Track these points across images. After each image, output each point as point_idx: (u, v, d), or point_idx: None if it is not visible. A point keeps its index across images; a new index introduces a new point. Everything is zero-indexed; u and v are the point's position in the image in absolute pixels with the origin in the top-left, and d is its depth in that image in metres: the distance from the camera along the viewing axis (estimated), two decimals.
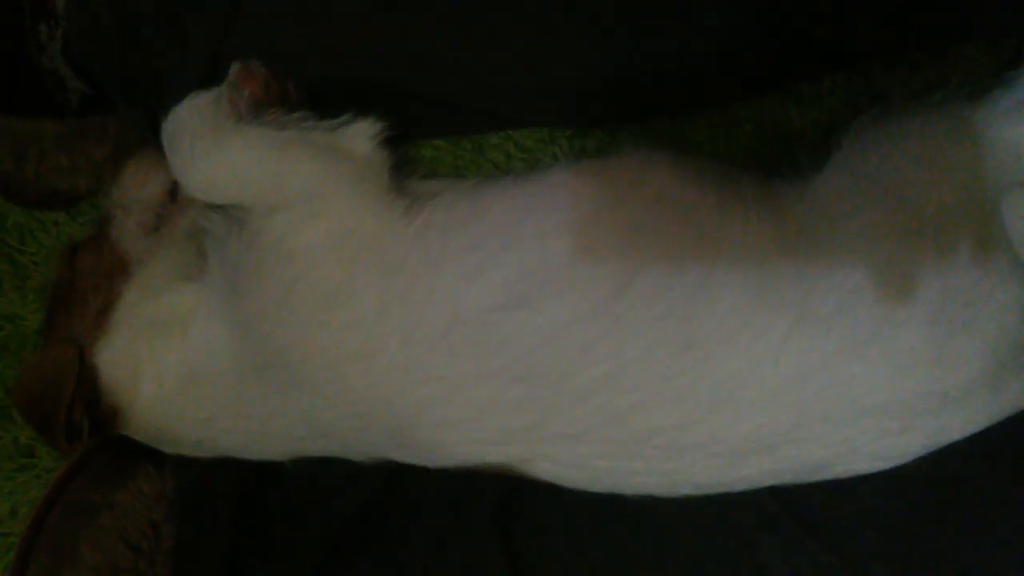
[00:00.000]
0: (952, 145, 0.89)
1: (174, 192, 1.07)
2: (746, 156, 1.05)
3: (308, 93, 1.04)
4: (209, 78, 1.02)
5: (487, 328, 0.90)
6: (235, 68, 0.99)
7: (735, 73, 1.02)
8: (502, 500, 1.00)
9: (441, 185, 1.01)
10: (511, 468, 0.94)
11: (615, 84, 1.00)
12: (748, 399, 0.86)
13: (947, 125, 0.90)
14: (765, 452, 0.88)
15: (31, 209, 1.22)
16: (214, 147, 0.96)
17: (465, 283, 0.91)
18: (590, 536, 0.97)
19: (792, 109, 1.06)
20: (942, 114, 0.91)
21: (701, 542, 0.94)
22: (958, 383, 0.85)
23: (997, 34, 1.01)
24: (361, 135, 0.98)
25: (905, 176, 0.89)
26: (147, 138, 1.08)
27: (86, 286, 1.05)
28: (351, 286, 0.93)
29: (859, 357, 0.85)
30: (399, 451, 0.97)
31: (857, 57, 1.03)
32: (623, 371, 0.87)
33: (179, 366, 1.01)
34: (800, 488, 0.91)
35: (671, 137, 1.07)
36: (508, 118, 1.10)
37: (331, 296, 0.93)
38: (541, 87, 1.02)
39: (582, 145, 1.09)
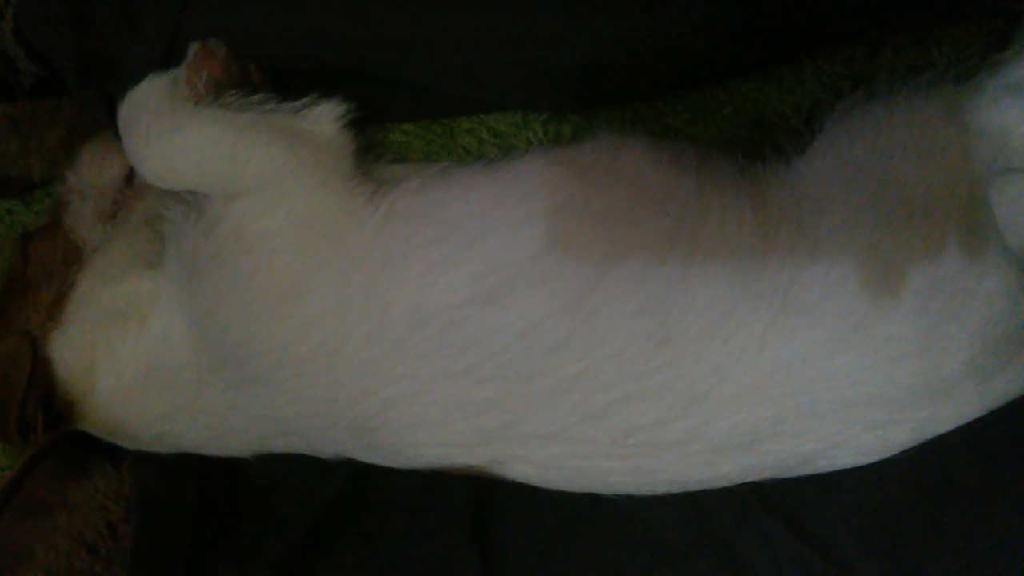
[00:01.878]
0: (938, 129, 0.86)
1: (131, 177, 1.03)
2: (725, 140, 1.02)
3: (271, 75, 1.00)
4: (167, 59, 0.98)
5: (454, 325, 0.86)
6: (194, 48, 0.96)
7: (714, 55, 0.99)
8: (475, 498, 0.97)
9: (408, 170, 0.97)
10: (482, 470, 0.91)
11: (591, 66, 0.97)
12: (728, 394, 0.84)
13: (933, 109, 0.88)
14: (746, 448, 0.85)
15: None
16: (171, 130, 0.92)
17: (431, 277, 0.87)
18: (566, 534, 0.95)
19: (773, 92, 1.03)
20: (927, 98, 0.89)
21: (680, 539, 0.92)
22: (945, 374, 0.83)
23: (982, 15, 0.98)
24: (325, 118, 0.95)
25: (890, 161, 0.86)
26: (103, 121, 1.04)
27: (39, 275, 1.01)
28: (312, 278, 0.89)
29: (844, 348, 0.82)
30: (365, 451, 0.94)
31: (839, 39, 1.00)
32: (598, 368, 0.84)
33: (136, 358, 0.97)
34: (781, 483, 0.89)
35: (648, 121, 1.04)
36: (480, 101, 1.06)
37: (291, 288, 0.89)
38: (515, 69, 0.99)
39: (557, 130, 1.06)
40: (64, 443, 1.03)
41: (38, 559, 0.97)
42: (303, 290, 0.89)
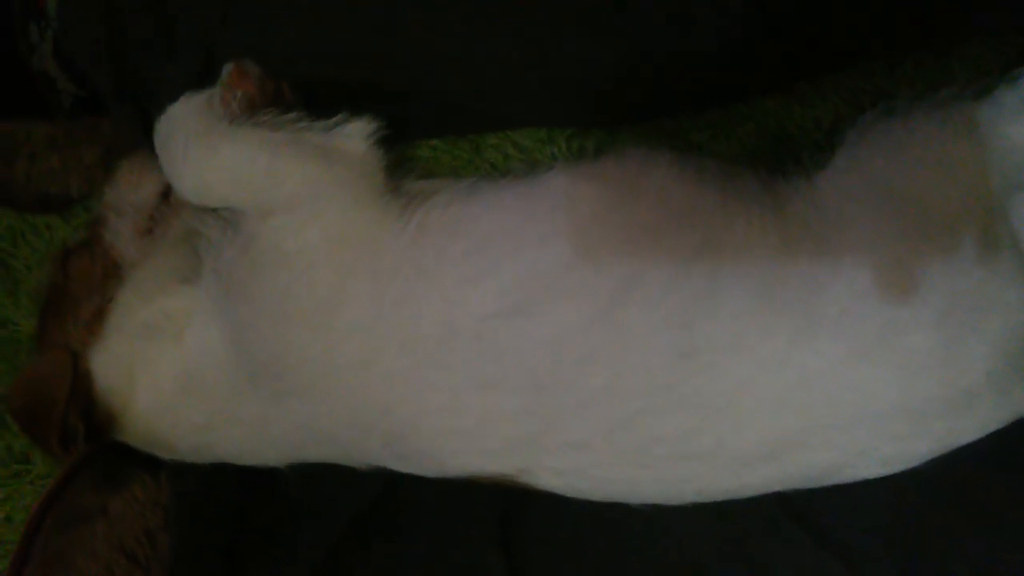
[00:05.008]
0: (957, 144, 0.87)
1: (167, 194, 1.06)
2: (748, 156, 1.04)
3: (302, 94, 1.02)
4: (202, 79, 1.00)
5: (485, 336, 0.88)
6: (228, 68, 0.98)
7: (737, 72, 1.00)
8: (503, 507, 0.99)
9: (437, 186, 0.99)
10: (511, 479, 0.93)
11: (615, 83, 0.99)
12: (754, 405, 0.85)
13: (952, 124, 0.88)
14: (772, 459, 0.86)
15: (23, 213, 1.20)
16: (207, 149, 0.94)
17: (462, 290, 0.89)
18: (592, 544, 0.96)
19: (795, 108, 1.04)
20: (947, 113, 0.89)
21: (705, 548, 0.93)
22: (966, 386, 0.84)
23: (1002, 31, 1.00)
24: (356, 135, 0.96)
25: (910, 176, 0.87)
26: (140, 140, 1.06)
27: (79, 291, 1.04)
28: (346, 291, 0.91)
29: (866, 361, 0.83)
30: (397, 461, 0.96)
31: (860, 55, 1.02)
32: (625, 379, 0.86)
33: (174, 371, 0.99)
34: (805, 493, 0.90)
35: (672, 136, 1.05)
36: (506, 118, 1.08)
37: (326, 301, 0.91)
38: (540, 86, 1.01)
39: (581, 145, 1.07)
40: (103, 454, 1.05)
41: (78, 567, 0.99)
42: (338, 303, 0.91)
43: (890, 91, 1.01)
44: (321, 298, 0.91)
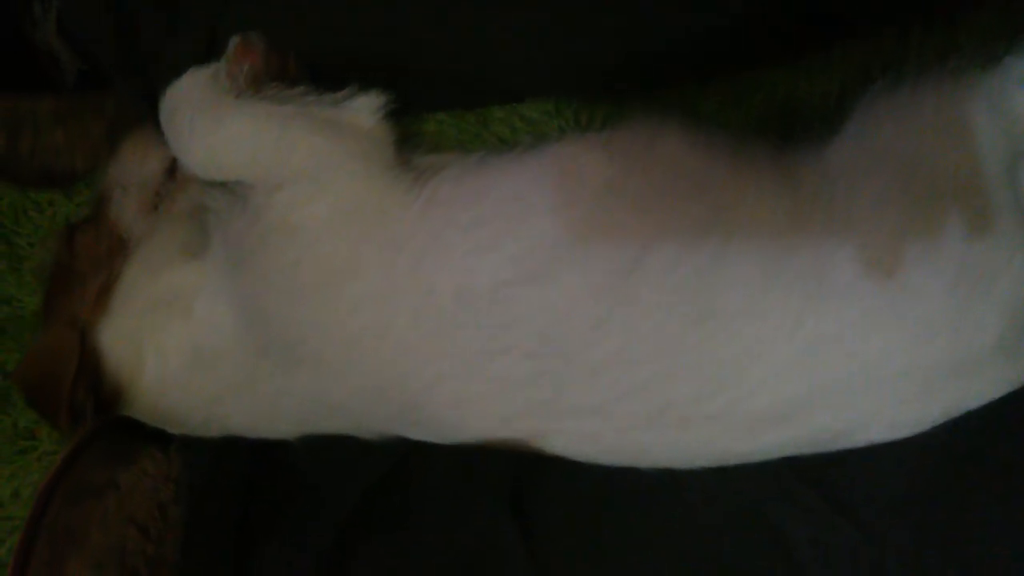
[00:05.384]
0: (966, 113, 0.87)
1: (172, 169, 1.05)
2: (757, 126, 1.04)
3: (307, 68, 1.02)
4: (207, 53, 1.00)
5: (497, 304, 0.88)
6: (234, 41, 0.97)
7: (744, 44, 1.01)
8: (516, 476, 0.99)
9: (446, 159, 0.99)
10: (525, 443, 0.93)
11: (623, 55, 0.99)
12: (765, 370, 0.85)
13: (961, 93, 0.89)
14: (783, 422, 0.87)
15: (26, 189, 1.20)
16: (214, 123, 0.94)
17: (473, 259, 0.89)
18: (605, 510, 0.97)
19: (802, 78, 1.04)
20: (956, 82, 0.90)
21: (718, 514, 0.94)
22: (976, 351, 0.84)
23: None
24: (365, 109, 0.96)
25: (920, 144, 0.88)
26: (145, 114, 1.05)
27: (85, 267, 1.03)
28: (357, 262, 0.91)
29: (877, 327, 0.84)
30: (412, 428, 0.96)
31: (867, 26, 1.02)
32: (637, 345, 0.86)
33: (183, 345, 0.99)
34: (815, 457, 0.90)
35: (680, 107, 1.05)
36: (513, 90, 1.08)
37: (338, 272, 0.91)
38: (548, 58, 1.01)
39: (589, 116, 1.07)
40: (111, 429, 1.05)
41: (91, 541, 0.99)
42: (348, 274, 0.91)
43: (898, 61, 1.01)
44: (331, 269, 0.91)
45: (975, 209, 0.84)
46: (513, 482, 0.99)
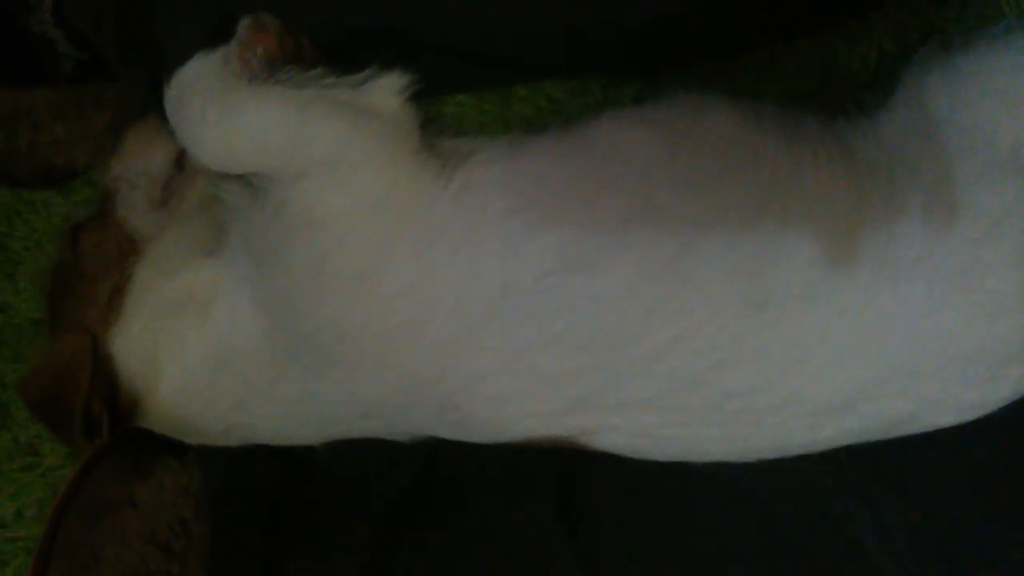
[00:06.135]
0: (1020, 77, 0.83)
1: (181, 162, 0.99)
2: (798, 98, 1.00)
3: (323, 50, 0.97)
4: (215, 36, 0.94)
5: (542, 294, 0.83)
6: (245, 22, 0.92)
7: (776, 10, 0.96)
8: (560, 469, 0.95)
9: (474, 143, 0.93)
10: (571, 441, 0.88)
11: (650, 26, 0.94)
12: (828, 355, 0.81)
13: (1012, 57, 0.85)
14: (847, 410, 0.83)
15: (21, 189, 1.14)
16: (227, 111, 0.88)
17: (514, 248, 0.84)
18: (656, 507, 0.93)
19: (840, 46, 1.00)
20: (1006, 45, 0.86)
21: (777, 505, 0.90)
22: None
23: None
24: (387, 90, 0.90)
25: (977, 111, 0.84)
26: (149, 104, 1.00)
27: (93, 269, 0.98)
28: (390, 255, 0.86)
29: (944, 305, 0.80)
30: (450, 428, 0.91)
31: None
32: (693, 333, 0.82)
33: (203, 350, 0.94)
34: (876, 444, 0.86)
35: (715, 82, 1.01)
36: (535, 67, 1.03)
37: (368, 267, 0.86)
38: (572, 31, 0.96)
39: (617, 94, 1.03)
40: (123, 441, 1.00)
41: (108, 561, 0.94)
42: (381, 268, 0.86)
43: (938, 26, 0.98)
44: (363, 263, 0.86)
45: None
46: (558, 477, 0.95)
